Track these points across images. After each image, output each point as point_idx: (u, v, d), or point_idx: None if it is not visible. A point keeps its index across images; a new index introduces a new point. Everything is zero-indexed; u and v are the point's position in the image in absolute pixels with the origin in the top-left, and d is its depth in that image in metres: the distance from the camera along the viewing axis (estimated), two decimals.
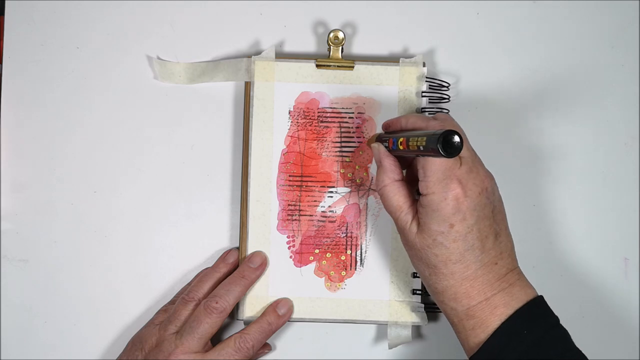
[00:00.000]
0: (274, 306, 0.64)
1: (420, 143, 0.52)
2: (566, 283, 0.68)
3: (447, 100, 0.66)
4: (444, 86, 0.66)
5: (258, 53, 0.65)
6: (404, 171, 0.59)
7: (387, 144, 0.58)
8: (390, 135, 0.58)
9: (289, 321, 0.65)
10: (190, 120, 0.67)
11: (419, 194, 0.55)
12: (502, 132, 0.68)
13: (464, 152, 0.54)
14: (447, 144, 0.49)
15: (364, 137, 0.65)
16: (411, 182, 0.58)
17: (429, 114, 0.65)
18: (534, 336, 0.53)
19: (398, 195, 0.56)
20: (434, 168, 0.53)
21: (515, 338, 0.53)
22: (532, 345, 0.53)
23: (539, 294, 0.56)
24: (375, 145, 0.59)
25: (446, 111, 0.65)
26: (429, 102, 0.66)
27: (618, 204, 0.68)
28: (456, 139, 0.49)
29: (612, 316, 0.68)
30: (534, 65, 0.68)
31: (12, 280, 0.66)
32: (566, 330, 0.55)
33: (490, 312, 0.54)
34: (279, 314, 0.63)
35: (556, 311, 0.68)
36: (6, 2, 0.67)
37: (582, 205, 0.68)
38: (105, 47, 0.67)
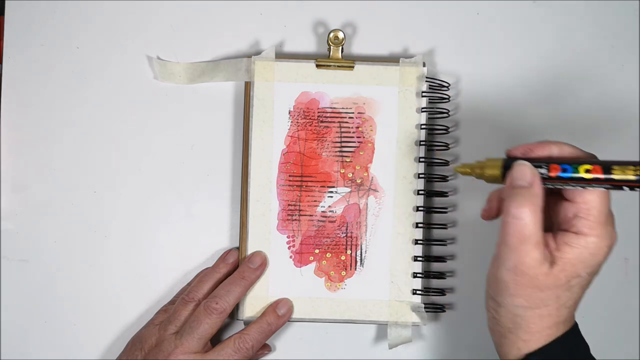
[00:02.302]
0: (273, 306, 0.64)
1: (635, 173, 0.48)
2: None
3: (447, 100, 0.66)
4: (444, 86, 0.66)
5: (258, 53, 0.65)
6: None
7: (544, 169, 0.51)
8: (553, 161, 0.51)
9: (289, 321, 0.65)
10: (190, 120, 0.67)
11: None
12: (502, 131, 0.68)
13: None
14: None
15: (364, 137, 0.65)
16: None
17: (429, 114, 0.65)
18: None
19: (537, 225, 0.49)
20: (601, 208, 0.50)
21: None
22: None
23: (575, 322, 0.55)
24: (527, 164, 0.51)
25: (446, 111, 0.65)
26: (429, 102, 0.66)
27: (618, 204, 0.68)
28: None
29: (612, 316, 0.68)
30: (533, 65, 0.68)
31: (12, 280, 0.66)
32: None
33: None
34: (279, 314, 0.63)
35: None
36: (6, 2, 0.67)
37: None
38: (105, 47, 0.67)
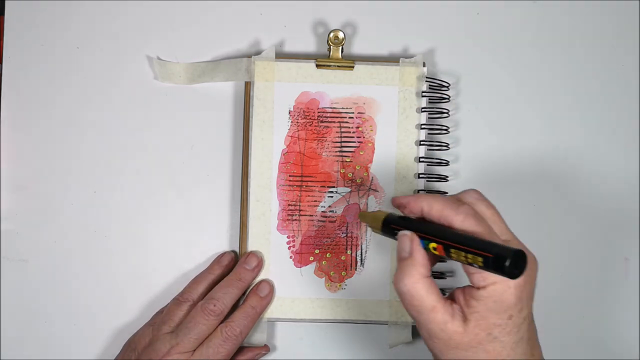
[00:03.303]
0: (254, 290, 0.64)
1: (474, 261, 0.46)
2: (566, 283, 0.68)
3: (447, 100, 0.66)
4: (444, 86, 0.66)
5: (258, 53, 0.65)
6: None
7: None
8: (408, 223, 0.52)
9: (289, 321, 0.65)
10: (190, 120, 0.67)
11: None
12: (502, 131, 0.68)
13: (505, 235, 0.50)
14: (515, 265, 0.44)
15: (364, 137, 0.65)
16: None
17: (429, 114, 0.65)
18: None
19: (429, 293, 0.49)
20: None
21: None
22: None
23: None
24: (408, 234, 0.51)
25: (446, 111, 0.65)
26: (429, 102, 0.66)
27: (618, 204, 0.68)
28: (521, 265, 0.45)
29: (612, 316, 0.68)
30: (533, 65, 0.68)
31: (12, 280, 0.66)
32: None
33: None
34: (261, 296, 0.63)
35: (556, 311, 0.68)
36: (6, 2, 0.67)
37: (581, 205, 0.68)
38: (105, 47, 0.67)
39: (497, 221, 0.50)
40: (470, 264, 0.47)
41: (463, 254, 0.47)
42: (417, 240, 0.50)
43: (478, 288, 0.48)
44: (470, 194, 0.51)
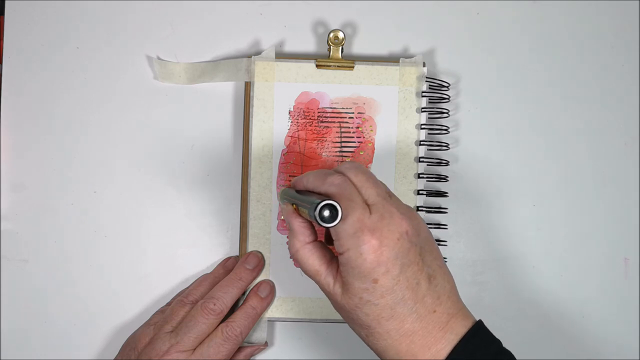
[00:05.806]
0: (255, 290, 0.64)
1: (307, 215, 0.50)
2: (566, 283, 0.68)
3: (447, 100, 0.66)
4: (444, 86, 0.66)
5: (258, 53, 0.65)
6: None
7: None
8: (288, 198, 0.56)
9: (289, 321, 0.65)
10: (190, 120, 0.67)
11: None
12: (502, 131, 0.68)
13: (372, 199, 0.51)
14: (328, 210, 0.48)
15: (364, 137, 0.65)
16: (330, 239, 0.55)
17: (429, 114, 0.65)
18: None
19: (312, 259, 0.53)
20: (341, 224, 0.49)
21: None
22: None
23: (477, 319, 0.52)
24: (284, 206, 0.56)
25: (446, 111, 0.65)
26: (429, 102, 0.66)
27: (618, 204, 0.68)
28: (325, 213, 0.47)
29: (612, 316, 0.68)
30: (533, 65, 0.68)
31: (12, 280, 0.66)
32: (510, 353, 0.51)
33: None
34: (262, 297, 0.63)
35: (556, 311, 0.68)
36: (6, 2, 0.67)
37: (582, 205, 0.68)
38: (105, 47, 0.67)
39: (366, 187, 0.51)
40: (313, 219, 0.49)
41: (305, 211, 0.50)
42: (291, 210, 0.55)
43: (339, 254, 0.50)
44: (344, 165, 0.54)
